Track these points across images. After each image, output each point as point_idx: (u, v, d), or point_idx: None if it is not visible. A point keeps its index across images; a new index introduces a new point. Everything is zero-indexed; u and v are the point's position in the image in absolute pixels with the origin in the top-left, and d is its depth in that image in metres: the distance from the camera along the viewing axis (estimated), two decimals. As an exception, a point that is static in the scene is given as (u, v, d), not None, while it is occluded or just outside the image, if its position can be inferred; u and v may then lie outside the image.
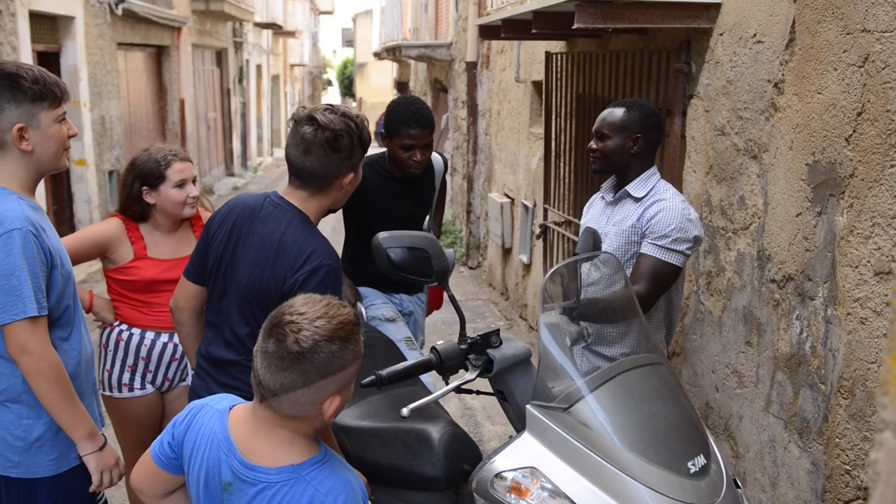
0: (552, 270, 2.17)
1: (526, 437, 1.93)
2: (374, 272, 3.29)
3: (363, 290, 3.27)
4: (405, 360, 2.77)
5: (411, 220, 3.27)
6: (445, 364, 2.05)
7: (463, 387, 2.09)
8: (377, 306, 3.22)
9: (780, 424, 2.81)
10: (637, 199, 2.62)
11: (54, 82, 1.96)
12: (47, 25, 7.81)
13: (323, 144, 1.96)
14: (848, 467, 2.42)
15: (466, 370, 2.08)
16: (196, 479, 1.57)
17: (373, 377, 1.94)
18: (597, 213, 2.79)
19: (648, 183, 2.63)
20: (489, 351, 2.06)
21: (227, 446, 1.53)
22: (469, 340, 2.06)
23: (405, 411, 1.92)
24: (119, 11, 9.19)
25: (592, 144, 2.69)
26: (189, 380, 2.80)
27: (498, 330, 2.11)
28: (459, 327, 2.11)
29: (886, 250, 2.24)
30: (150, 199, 2.69)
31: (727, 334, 3.17)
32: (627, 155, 2.62)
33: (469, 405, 4.72)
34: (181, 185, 2.69)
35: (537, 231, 5.68)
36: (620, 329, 2.31)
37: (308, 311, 1.44)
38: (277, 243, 1.99)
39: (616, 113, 2.64)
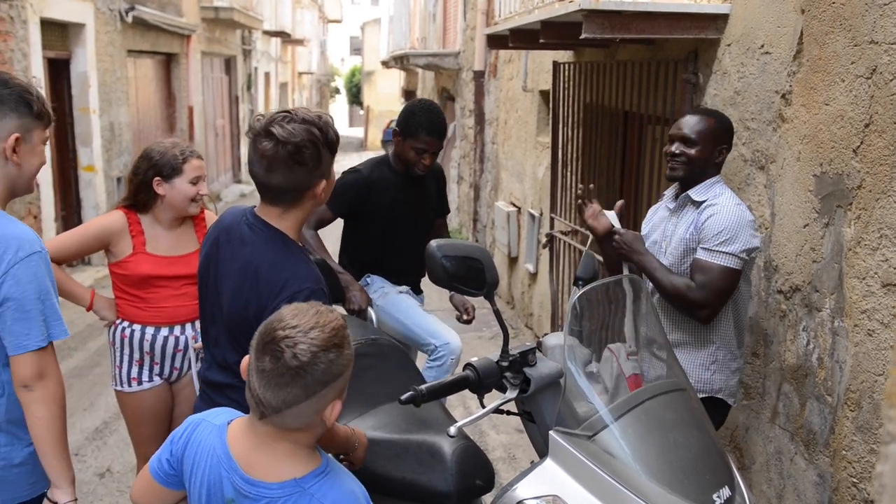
0: (577, 294, 2.09)
1: (549, 464, 1.89)
2: (381, 274, 3.39)
3: (373, 277, 3.33)
4: (413, 364, 2.77)
5: (413, 217, 3.39)
6: (483, 382, 1.97)
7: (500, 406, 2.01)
8: (386, 287, 3.37)
9: (786, 436, 2.80)
10: (697, 204, 2.58)
11: (48, 105, 1.98)
12: (58, 32, 7.86)
13: (286, 160, 1.80)
14: (855, 479, 2.40)
15: (500, 389, 2.01)
16: (198, 496, 1.56)
17: (412, 393, 1.86)
18: (659, 222, 2.75)
19: (712, 189, 2.59)
20: (526, 370, 1.99)
21: (228, 462, 1.52)
22: (511, 358, 1.98)
23: (452, 430, 1.86)
24: (129, 19, 9.25)
25: (674, 149, 2.60)
26: (195, 367, 2.83)
27: (535, 348, 2.03)
28: (503, 344, 2.02)
29: (894, 262, 2.23)
30: (160, 189, 2.70)
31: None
32: (711, 164, 2.60)
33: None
34: (195, 181, 2.72)
35: (543, 240, 5.68)
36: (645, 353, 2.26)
37: (300, 322, 1.43)
38: (254, 270, 1.88)
39: (705, 121, 2.60)
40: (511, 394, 1.98)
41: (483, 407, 2.00)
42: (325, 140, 1.86)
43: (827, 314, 2.54)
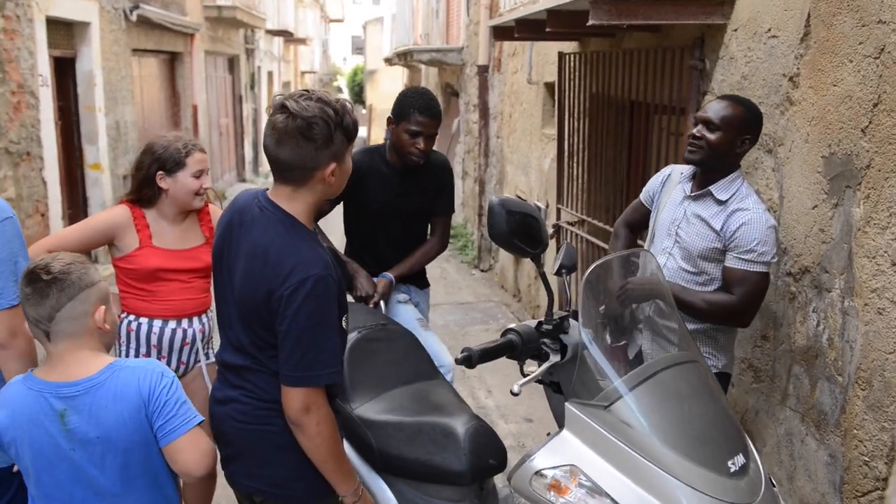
0: (590, 269, 2.09)
1: (565, 435, 1.91)
2: (373, 267, 3.29)
3: (383, 275, 3.29)
4: (423, 349, 2.78)
5: (405, 214, 3.29)
6: (526, 347, 2.02)
7: (529, 374, 2.04)
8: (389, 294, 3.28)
9: (796, 417, 2.81)
10: (720, 202, 2.55)
11: None
12: (63, 31, 7.89)
13: (294, 133, 1.81)
14: (866, 458, 2.41)
15: (534, 356, 2.05)
16: (28, 458, 1.77)
17: (466, 354, 1.98)
18: (674, 204, 2.69)
19: (732, 186, 2.56)
20: (562, 337, 2.02)
21: (43, 386, 1.77)
22: (553, 323, 2.01)
23: (516, 388, 1.91)
24: (134, 18, 9.27)
25: (696, 132, 2.55)
26: (204, 361, 2.82)
27: (569, 315, 2.05)
28: (547, 307, 2.05)
29: (904, 240, 2.24)
30: (163, 184, 2.71)
31: (743, 329, 3.16)
32: (732, 153, 2.55)
33: (483, 404, 4.73)
34: (198, 175, 2.73)
35: (550, 231, 5.69)
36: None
37: (47, 257, 1.80)
38: (263, 253, 1.88)
39: (733, 108, 2.54)
40: (555, 358, 2.01)
41: (522, 374, 2.06)
42: (339, 122, 1.86)
43: (837, 294, 2.55)
